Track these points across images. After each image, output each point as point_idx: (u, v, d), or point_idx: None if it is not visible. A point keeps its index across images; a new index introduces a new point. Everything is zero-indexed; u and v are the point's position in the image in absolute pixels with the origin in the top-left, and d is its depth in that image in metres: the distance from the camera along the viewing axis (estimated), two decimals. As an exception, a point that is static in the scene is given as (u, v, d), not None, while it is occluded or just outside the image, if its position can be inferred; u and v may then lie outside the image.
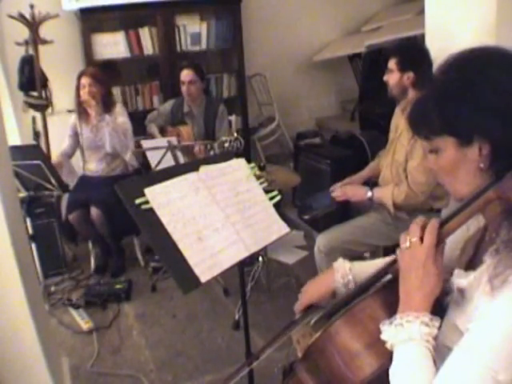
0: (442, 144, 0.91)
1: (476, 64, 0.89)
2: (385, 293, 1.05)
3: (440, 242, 0.92)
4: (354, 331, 1.01)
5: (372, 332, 0.99)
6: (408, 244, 0.94)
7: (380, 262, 1.22)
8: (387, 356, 0.95)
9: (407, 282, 0.93)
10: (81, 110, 3.44)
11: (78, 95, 3.40)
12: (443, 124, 0.89)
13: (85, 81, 3.36)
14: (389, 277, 1.09)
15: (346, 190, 2.50)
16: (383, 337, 0.93)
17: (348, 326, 1.02)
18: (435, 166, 0.96)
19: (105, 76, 3.48)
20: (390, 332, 0.92)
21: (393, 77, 2.39)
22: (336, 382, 1.01)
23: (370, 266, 1.22)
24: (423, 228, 0.93)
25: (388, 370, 0.93)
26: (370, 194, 2.42)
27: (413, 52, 2.41)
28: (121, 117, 3.48)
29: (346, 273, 1.23)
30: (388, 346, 0.92)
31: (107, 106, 3.43)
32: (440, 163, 0.94)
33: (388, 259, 1.15)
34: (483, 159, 0.87)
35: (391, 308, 0.99)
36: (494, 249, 0.89)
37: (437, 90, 0.92)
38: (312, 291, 1.28)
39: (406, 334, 0.89)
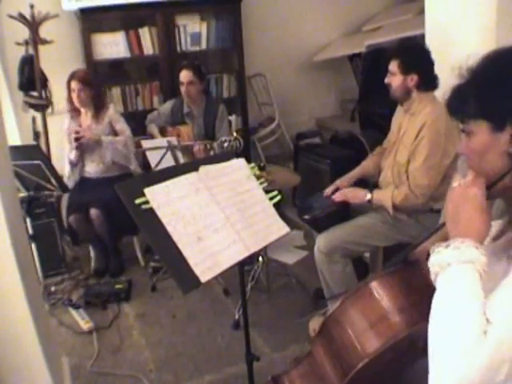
0: (476, 128, 0.96)
1: None
2: (403, 272, 1.09)
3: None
4: (368, 305, 1.05)
5: (386, 306, 1.03)
6: (462, 182, 0.97)
7: None
8: (398, 330, 0.99)
9: (457, 217, 0.94)
10: (74, 112, 3.45)
11: (69, 98, 3.41)
12: (479, 109, 0.95)
13: (74, 85, 3.36)
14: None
15: (346, 192, 2.50)
16: (433, 260, 0.92)
17: (364, 299, 1.06)
18: (466, 148, 1.00)
19: (94, 78, 3.47)
20: (446, 253, 0.91)
21: (395, 79, 2.36)
22: (348, 353, 1.05)
23: None
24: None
25: (398, 348, 0.97)
26: (369, 196, 2.41)
27: (415, 53, 2.37)
28: (118, 124, 3.50)
29: None
30: (434, 271, 0.92)
31: (98, 107, 3.44)
32: (471, 146, 0.98)
33: None
34: None
35: (408, 287, 1.04)
36: None
37: (476, 77, 0.97)
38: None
39: (465, 256, 0.88)
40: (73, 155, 3.42)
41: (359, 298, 1.07)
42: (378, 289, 1.06)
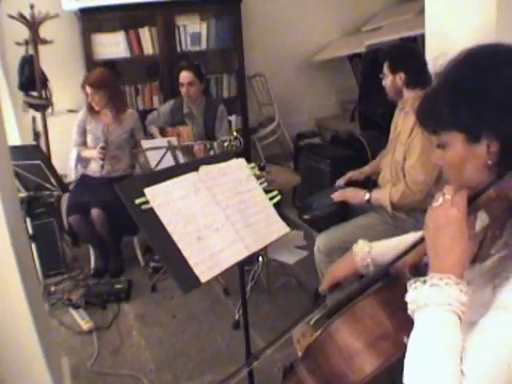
0: (450, 139, 0.91)
1: (488, 61, 0.89)
2: (385, 291, 1.05)
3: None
4: (354, 330, 1.00)
5: (372, 331, 0.99)
6: (441, 200, 0.90)
7: (401, 239, 1.27)
8: (387, 355, 0.95)
9: (436, 242, 0.87)
10: (93, 110, 3.45)
11: (85, 93, 3.41)
12: (452, 120, 0.89)
13: (88, 90, 3.37)
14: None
15: (345, 192, 2.53)
16: (410, 296, 0.87)
17: (348, 324, 1.01)
18: (441, 161, 0.95)
19: (108, 79, 3.43)
20: (423, 292, 0.84)
21: (388, 80, 2.45)
22: (336, 381, 1.01)
23: (389, 246, 1.26)
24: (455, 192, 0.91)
25: (388, 369, 0.93)
26: (367, 196, 2.43)
27: (401, 53, 2.49)
28: (139, 134, 3.54)
29: (364, 256, 1.28)
30: (411, 307, 0.86)
31: (118, 108, 3.45)
32: (447, 158, 0.93)
33: (407, 238, 1.21)
34: (491, 156, 0.87)
35: (392, 307, 0.99)
36: (503, 242, 0.90)
37: (447, 85, 0.91)
38: (335, 272, 1.35)
39: (444, 298, 0.82)
40: (94, 155, 3.41)
41: (344, 323, 1.02)
42: (362, 312, 1.01)
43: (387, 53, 2.54)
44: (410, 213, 2.39)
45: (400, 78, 2.39)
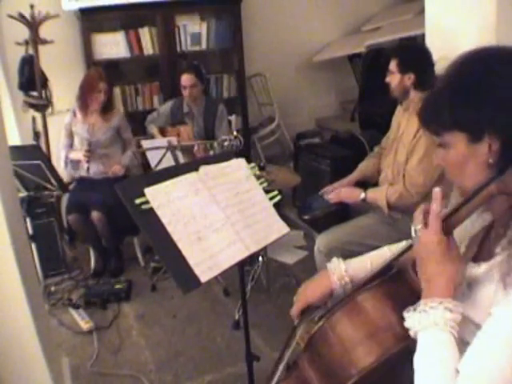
0: (452, 139, 0.92)
1: (489, 62, 0.90)
2: (388, 284, 1.06)
3: (448, 232, 0.93)
4: (356, 320, 1.02)
5: (374, 322, 1.00)
6: (413, 233, 0.96)
7: (375, 256, 1.24)
8: (388, 346, 0.96)
9: (426, 270, 0.93)
10: (83, 107, 3.44)
11: (87, 93, 3.39)
12: (454, 120, 0.90)
13: (102, 87, 3.37)
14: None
15: (340, 192, 2.51)
16: (407, 324, 0.93)
17: (350, 315, 1.03)
18: (443, 161, 0.97)
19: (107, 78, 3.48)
20: (414, 318, 0.92)
21: (394, 78, 2.39)
22: (336, 371, 1.01)
23: (365, 262, 1.23)
24: (427, 213, 0.95)
25: (389, 362, 0.95)
26: (363, 195, 2.42)
27: (413, 53, 2.41)
28: (126, 133, 3.58)
29: (342, 275, 1.22)
30: (412, 333, 0.93)
31: (106, 107, 3.45)
32: (449, 158, 0.95)
33: (382, 253, 1.19)
34: (492, 155, 0.88)
35: (394, 299, 1.01)
36: (506, 241, 0.91)
37: (449, 86, 0.92)
38: (308, 293, 1.26)
39: (430, 320, 0.89)
40: (79, 156, 3.42)
41: (346, 314, 1.04)
42: (365, 303, 1.03)
43: (398, 50, 2.47)
44: (406, 212, 2.38)
45: (409, 78, 2.33)
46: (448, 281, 0.91)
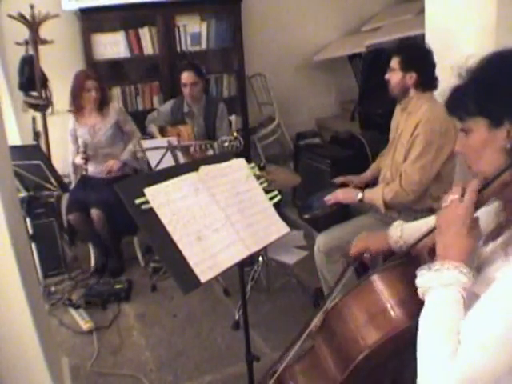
0: (474, 125, 0.99)
1: (510, 60, 0.99)
2: (403, 267, 1.12)
3: (477, 205, 0.99)
4: (370, 298, 1.08)
5: (386, 300, 1.06)
6: (448, 202, 1.01)
7: (431, 220, 1.30)
8: (396, 325, 1.02)
9: (444, 237, 0.99)
10: (78, 110, 3.44)
11: (78, 95, 3.40)
12: (477, 106, 0.98)
13: (91, 85, 3.37)
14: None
15: (337, 193, 2.50)
16: (418, 282, 0.98)
17: (365, 292, 1.09)
18: (464, 147, 1.04)
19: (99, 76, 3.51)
20: (428, 276, 0.96)
21: (395, 76, 2.37)
22: (349, 345, 1.07)
23: (420, 227, 1.32)
24: (464, 189, 1.00)
25: (398, 339, 1.00)
26: (360, 195, 2.42)
27: (417, 52, 2.39)
28: (127, 125, 3.56)
29: (397, 239, 1.38)
30: (420, 291, 0.97)
31: (102, 104, 3.45)
32: (469, 142, 1.02)
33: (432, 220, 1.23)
34: (510, 140, 0.95)
35: (406, 281, 1.06)
36: None
37: (475, 79, 1.00)
38: (369, 241, 1.45)
39: (444, 280, 0.94)
40: (78, 160, 3.42)
41: (360, 292, 1.10)
42: (378, 282, 1.09)
43: (401, 48, 2.46)
44: (402, 211, 2.38)
45: (410, 77, 2.32)
46: (462, 251, 0.96)
